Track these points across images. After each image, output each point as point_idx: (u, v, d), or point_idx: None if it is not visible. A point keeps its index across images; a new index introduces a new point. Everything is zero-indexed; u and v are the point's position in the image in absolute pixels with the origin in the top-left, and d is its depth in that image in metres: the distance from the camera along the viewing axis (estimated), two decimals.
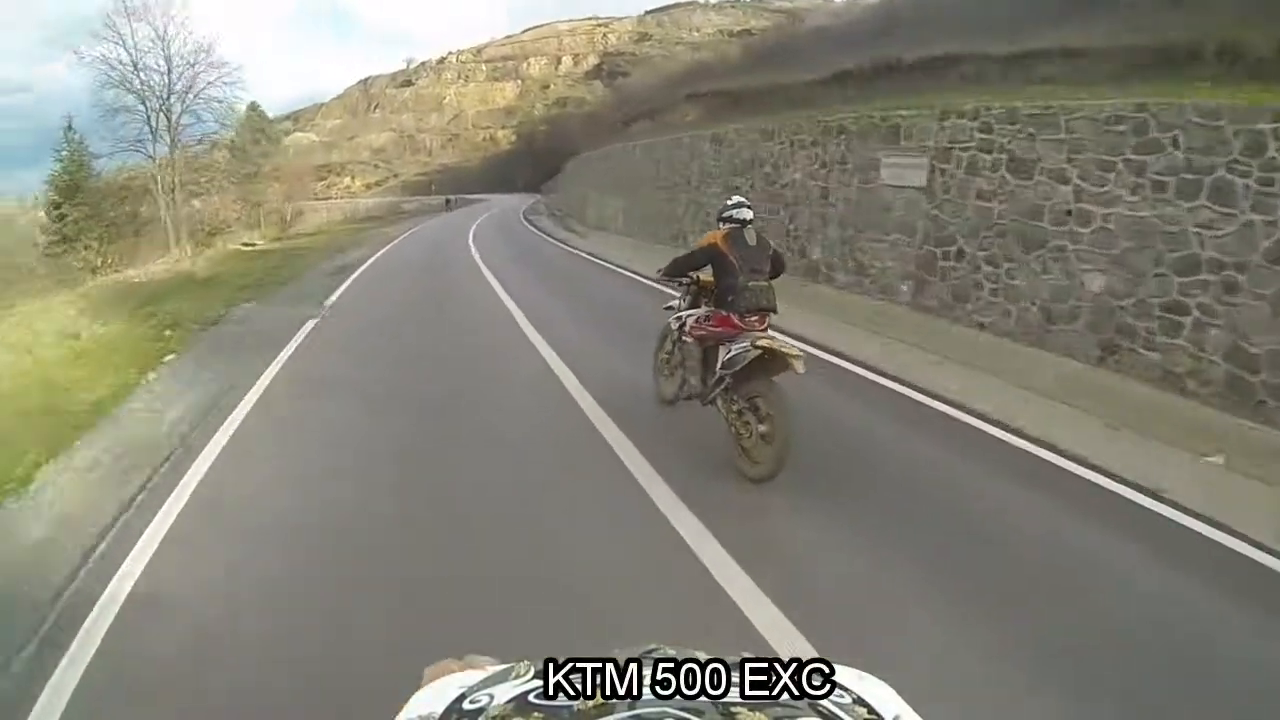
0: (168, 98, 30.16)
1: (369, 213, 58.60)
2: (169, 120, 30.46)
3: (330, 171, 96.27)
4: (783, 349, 4.39)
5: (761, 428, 4.40)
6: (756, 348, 4.39)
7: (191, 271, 20.70)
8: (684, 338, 5.21)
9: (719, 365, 4.69)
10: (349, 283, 14.37)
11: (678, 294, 5.67)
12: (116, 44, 29.70)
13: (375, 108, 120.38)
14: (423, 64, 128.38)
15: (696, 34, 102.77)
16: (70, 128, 32.65)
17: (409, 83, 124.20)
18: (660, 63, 76.94)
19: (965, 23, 15.45)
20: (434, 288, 13.49)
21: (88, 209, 31.38)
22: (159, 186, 30.55)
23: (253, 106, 42.08)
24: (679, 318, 5.39)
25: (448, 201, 54.62)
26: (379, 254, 20.55)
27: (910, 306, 9.79)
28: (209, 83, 31.59)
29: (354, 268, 17.01)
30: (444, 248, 21.81)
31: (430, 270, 16.10)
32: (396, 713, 0.69)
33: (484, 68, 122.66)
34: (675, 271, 5.33)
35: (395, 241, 24.98)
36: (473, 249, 20.20)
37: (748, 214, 5.00)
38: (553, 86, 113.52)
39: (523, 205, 46.70)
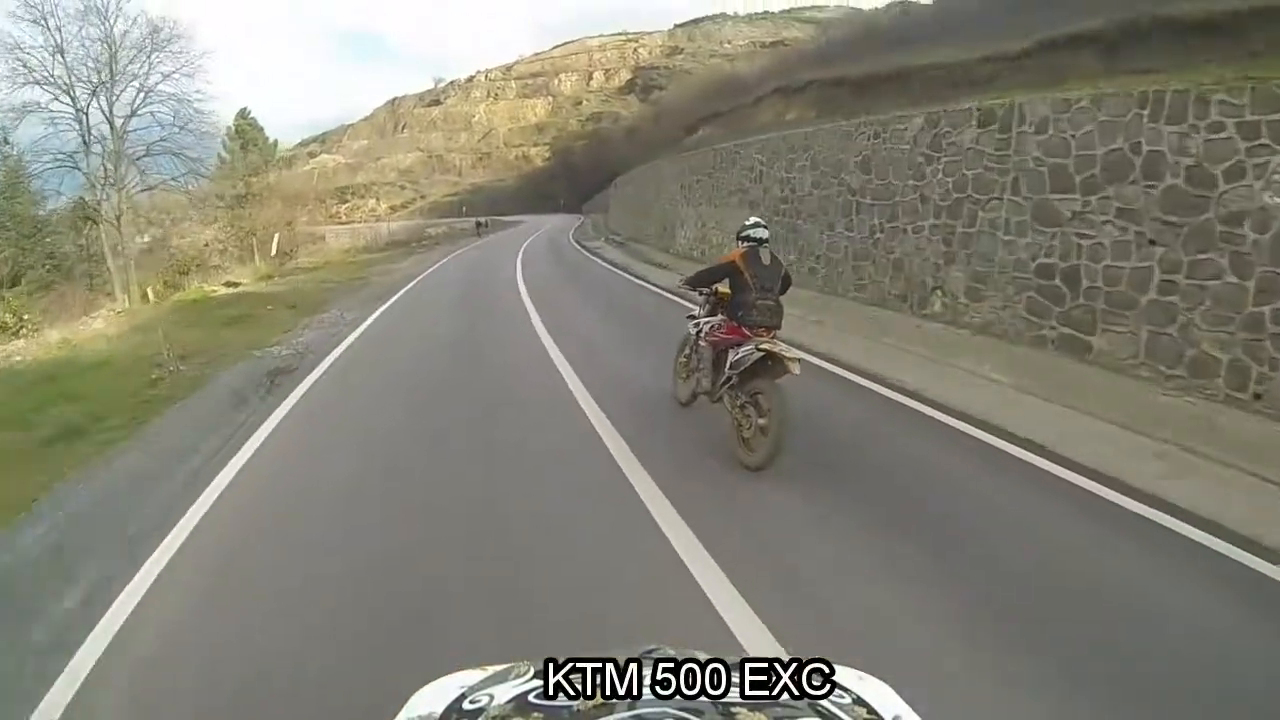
0: (107, 86, 21.76)
1: (391, 237, 50.94)
2: (111, 126, 22.22)
3: (354, 194, 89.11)
4: (783, 353, 4.62)
5: (760, 421, 4.63)
6: (760, 350, 4.67)
7: (78, 353, 12.53)
8: (700, 342, 5.49)
9: (728, 366, 4.94)
10: (268, 436, 5.88)
11: (699, 303, 5.82)
12: (37, 24, 21.48)
13: (403, 128, 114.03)
14: (451, 83, 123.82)
15: (728, 45, 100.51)
16: (6, 140, 24.78)
17: (437, 102, 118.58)
18: (703, 73, 72.76)
19: None
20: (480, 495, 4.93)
21: (21, 244, 23.39)
22: (100, 213, 22.24)
23: (243, 114, 34.00)
24: (697, 324, 5.61)
25: (479, 225, 44.56)
26: (376, 315, 12.20)
27: None
28: (164, 75, 23.27)
29: (316, 358, 8.67)
30: (481, 308, 13.32)
31: (466, 389, 7.66)
32: (397, 713, 0.68)
33: (514, 85, 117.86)
34: (697, 283, 5.46)
35: (408, 287, 16.60)
36: (533, 315, 11.69)
37: (764, 233, 5.19)
38: (586, 102, 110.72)
39: (569, 228, 38.49)
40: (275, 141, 35.62)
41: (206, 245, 27.62)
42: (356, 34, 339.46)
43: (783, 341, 4.86)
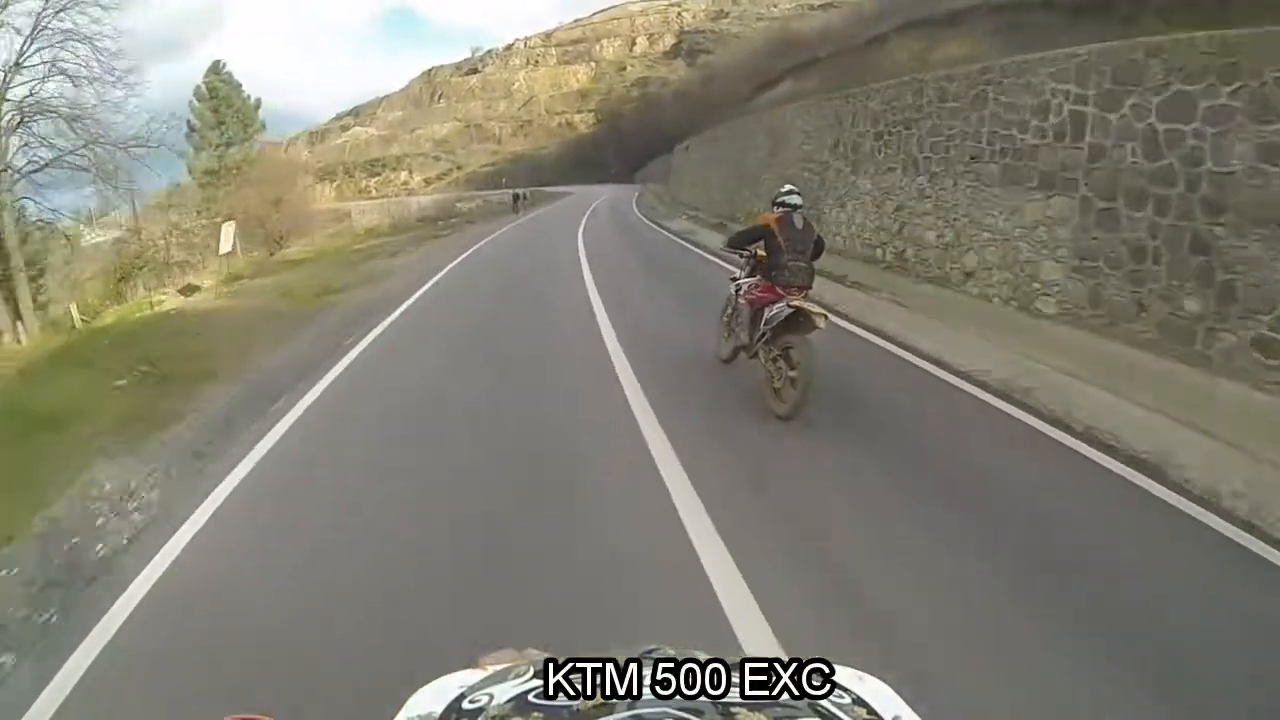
0: None
1: (421, 212, 43.72)
2: None
3: (385, 166, 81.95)
4: (811, 310, 4.69)
5: (791, 373, 4.75)
6: (790, 307, 4.75)
7: None
8: (739, 300, 5.56)
9: (762, 322, 5.01)
10: None
11: (741, 264, 5.86)
12: None
13: (439, 98, 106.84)
14: (489, 52, 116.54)
15: (775, 9, 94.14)
16: None
17: (475, 70, 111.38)
18: (752, 35, 66.85)
19: None
20: None
21: None
22: None
23: (215, 69, 26.03)
24: (737, 284, 5.68)
25: (517, 198, 35.51)
26: (271, 440, 4.72)
27: None
28: (60, 8, 15.45)
29: None
30: (531, 438, 5.73)
31: None
32: (396, 712, 0.64)
33: (554, 52, 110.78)
34: (736, 244, 5.50)
35: (381, 330, 9.08)
36: (655, 448, 4.10)
37: (798, 200, 5.23)
38: (630, 68, 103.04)
39: (629, 199, 30.46)
40: (258, 101, 27.88)
41: (164, 237, 20.45)
42: (392, 9, 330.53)
43: None
